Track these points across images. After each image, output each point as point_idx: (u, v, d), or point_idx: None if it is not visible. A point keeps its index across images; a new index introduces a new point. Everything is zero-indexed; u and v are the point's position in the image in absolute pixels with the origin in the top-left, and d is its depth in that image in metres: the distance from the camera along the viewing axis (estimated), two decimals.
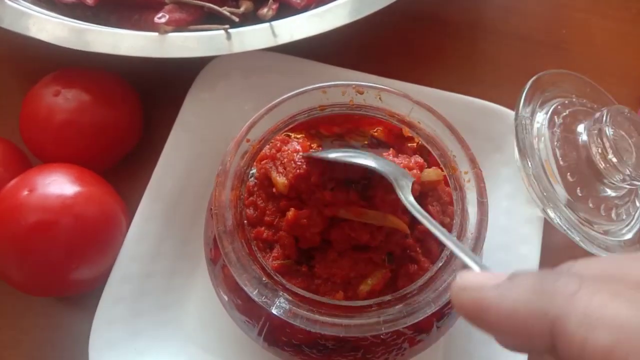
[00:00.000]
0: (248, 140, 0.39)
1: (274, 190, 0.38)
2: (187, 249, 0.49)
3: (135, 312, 0.47)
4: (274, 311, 0.34)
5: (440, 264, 0.37)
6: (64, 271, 0.45)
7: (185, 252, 0.49)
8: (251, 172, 0.40)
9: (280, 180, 0.38)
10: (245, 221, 0.38)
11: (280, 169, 0.39)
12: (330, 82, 0.41)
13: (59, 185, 0.46)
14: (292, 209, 0.37)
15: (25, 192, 0.45)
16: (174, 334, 0.47)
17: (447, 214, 0.40)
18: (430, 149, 0.41)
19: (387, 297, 0.36)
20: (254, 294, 0.35)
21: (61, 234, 0.44)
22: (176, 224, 0.50)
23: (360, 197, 0.38)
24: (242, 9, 0.52)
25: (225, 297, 0.40)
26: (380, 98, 0.41)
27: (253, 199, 0.39)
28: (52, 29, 0.49)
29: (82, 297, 0.48)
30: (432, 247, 0.39)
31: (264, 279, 0.35)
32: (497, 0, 0.63)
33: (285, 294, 0.35)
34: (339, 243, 0.37)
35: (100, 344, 0.45)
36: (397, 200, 0.36)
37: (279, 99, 0.40)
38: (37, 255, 0.44)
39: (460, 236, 0.37)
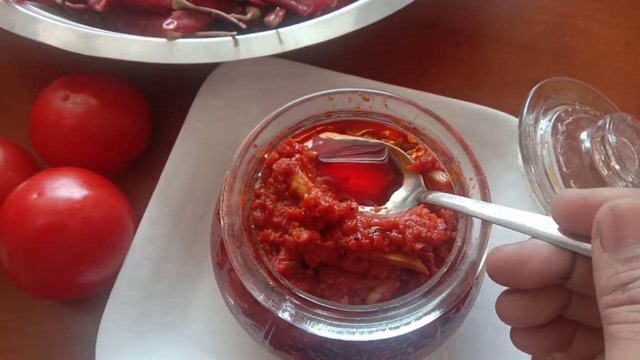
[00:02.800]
0: (255, 146, 0.40)
1: (293, 187, 0.39)
2: (194, 253, 0.50)
3: (141, 314, 0.47)
4: (280, 315, 0.35)
5: (445, 270, 0.37)
6: (71, 274, 0.46)
7: (192, 256, 0.50)
8: (258, 175, 0.40)
9: (303, 181, 0.39)
10: (252, 225, 0.38)
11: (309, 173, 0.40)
12: (337, 88, 0.42)
13: (67, 188, 0.46)
14: (306, 232, 0.37)
15: (34, 196, 0.45)
16: (180, 337, 0.48)
17: (457, 217, 0.40)
18: (435, 156, 0.41)
19: (393, 302, 0.36)
20: (260, 297, 0.35)
21: (69, 237, 0.45)
22: (183, 228, 0.50)
23: (386, 241, 0.38)
24: (249, 16, 0.52)
25: (232, 301, 0.41)
26: (386, 105, 0.42)
27: (261, 201, 0.39)
28: (61, 34, 0.50)
29: (90, 299, 0.49)
30: (444, 256, 0.39)
31: (270, 282, 0.36)
32: (502, 8, 0.64)
33: (291, 297, 0.35)
34: (350, 267, 0.38)
35: (107, 346, 0.45)
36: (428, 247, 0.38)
37: (285, 106, 0.41)
38: (45, 258, 0.45)
39: (464, 241, 0.38)
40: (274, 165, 0.40)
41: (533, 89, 0.50)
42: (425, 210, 0.39)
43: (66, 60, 0.50)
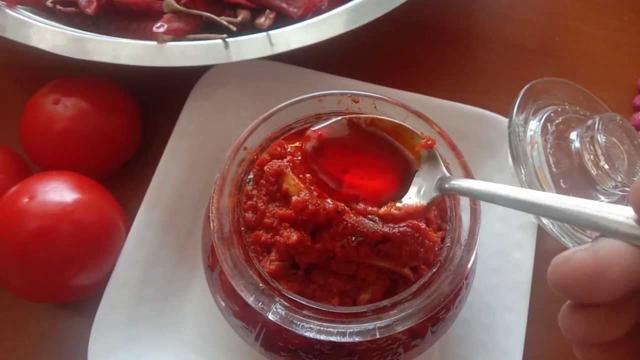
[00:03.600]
0: (245, 148, 0.40)
1: (284, 188, 0.39)
2: (185, 256, 0.50)
3: (133, 317, 0.47)
4: (270, 317, 0.35)
5: (434, 270, 0.37)
6: (63, 277, 0.46)
7: (183, 259, 0.50)
8: (249, 177, 0.40)
9: (294, 182, 0.38)
10: (242, 228, 0.38)
11: (300, 174, 0.39)
12: (326, 91, 0.42)
13: (58, 192, 0.46)
14: (296, 233, 0.37)
15: (26, 199, 0.45)
16: (171, 340, 0.48)
17: (445, 220, 0.41)
18: None
19: (383, 303, 0.36)
20: (250, 300, 0.35)
21: (61, 241, 0.45)
22: (174, 230, 0.50)
23: (374, 251, 0.37)
24: (239, 19, 0.52)
25: (223, 303, 0.41)
26: (375, 107, 0.42)
27: (252, 202, 0.39)
28: (52, 38, 0.50)
29: (82, 303, 0.49)
30: (431, 256, 0.39)
31: (260, 285, 0.36)
32: (492, 9, 0.64)
33: (281, 299, 0.35)
34: (339, 270, 0.38)
35: (99, 349, 0.45)
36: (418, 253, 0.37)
37: (275, 108, 0.41)
38: (36, 261, 0.45)
39: (453, 242, 0.38)
40: (266, 166, 0.40)
41: (523, 90, 0.50)
42: (424, 227, 0.38)
43: (58, 63, 0.50)
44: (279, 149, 0.41)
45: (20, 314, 0.50)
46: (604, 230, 0.26)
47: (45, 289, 0.46)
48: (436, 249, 0.38)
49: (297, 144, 0.42)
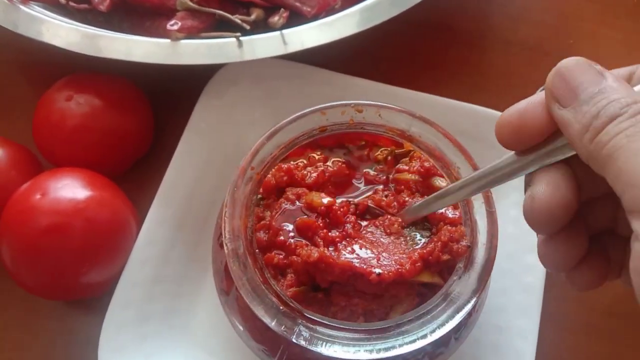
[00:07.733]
0: (253, 168, 0.39)
1: (308, 201, 0.38)
2: (197, 255, 0.50)
3: (144, 316, 0.47)
4: (294, 340, 0.34)
5: (455, 278, 0.37)
6: (74, 274, 0.46)
7: (195, 258, 0.50)
8: (257, 197, 0.40)
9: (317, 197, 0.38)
10: (256, 250, 0.38)
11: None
12: (329, 103, 0.41)
13: (70, 189, 0.46)
14: (317, 250, 0.36)
15: (38, 196, 0.45)
16: (182, 339, 0.48)
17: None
18: (433, 162, 0.41)
19: (407, 317, 0.36)
20: (272, 324, 0.35)
21: (72, 238, 0.45)
22: (186, 229, 0.50)
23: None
24: (253, 17, 0.52)
25: (241, 328, 0.40)
26: (380, 115, 0.41)
27: (265, 222, 0.39)
28: (65, 34, 0.50)
29: (92, 300, 0.49)
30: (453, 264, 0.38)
31: (281, 307, 0.35)
32: (506, 10, 0.63)
33: (304, 321, 0.35)
34: (365, 288, 0.37)
35: (109, 347, 0.45)
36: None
37: (279, 124, 0.40)
38: (48, 258, 0.45)
39: (472, 246, 0.38)
40: (288, 193, 0.39)
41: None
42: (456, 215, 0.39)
43: (70, 60, 0.50)
44: (282, 174, 0.40)
45: (31, 312, 0.50)
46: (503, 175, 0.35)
47: (57, 286, 0.47)
48: (462, 243, 0.37)
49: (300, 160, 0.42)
